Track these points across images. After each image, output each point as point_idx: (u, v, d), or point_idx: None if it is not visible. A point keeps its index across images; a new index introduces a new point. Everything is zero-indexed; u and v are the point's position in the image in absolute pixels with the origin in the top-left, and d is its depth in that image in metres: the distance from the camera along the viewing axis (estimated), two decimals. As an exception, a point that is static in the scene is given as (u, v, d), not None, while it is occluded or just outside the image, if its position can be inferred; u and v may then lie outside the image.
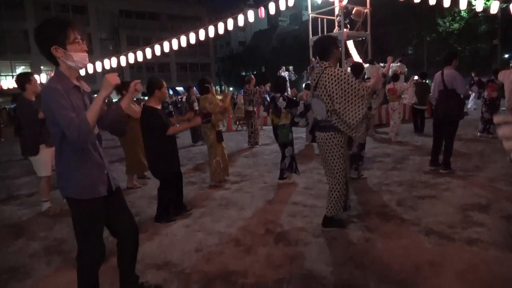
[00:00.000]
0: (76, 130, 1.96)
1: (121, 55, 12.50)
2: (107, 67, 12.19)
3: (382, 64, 13.47)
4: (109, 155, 8.32)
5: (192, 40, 12.43)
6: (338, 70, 3.41)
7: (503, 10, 10.98)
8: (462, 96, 5.53)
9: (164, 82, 4.21)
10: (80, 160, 2.16)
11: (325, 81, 3.41)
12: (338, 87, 3.35)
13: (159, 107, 4.12)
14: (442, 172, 5.58)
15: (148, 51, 12.90)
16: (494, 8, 10.70)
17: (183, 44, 12.48)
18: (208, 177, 6.36)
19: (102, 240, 2.33)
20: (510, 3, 10.83)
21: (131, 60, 12.42)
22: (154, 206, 4.41)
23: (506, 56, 27.66)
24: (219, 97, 5.63)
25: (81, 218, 2.24)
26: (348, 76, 3.37)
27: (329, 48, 3.51)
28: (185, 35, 12.43)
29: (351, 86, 3.34)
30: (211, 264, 3.14)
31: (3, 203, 5.63)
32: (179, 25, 33.41)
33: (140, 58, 12.99)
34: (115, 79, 2.11)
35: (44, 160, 4.67)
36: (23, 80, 4.53)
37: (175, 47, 12.58)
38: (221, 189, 5.52)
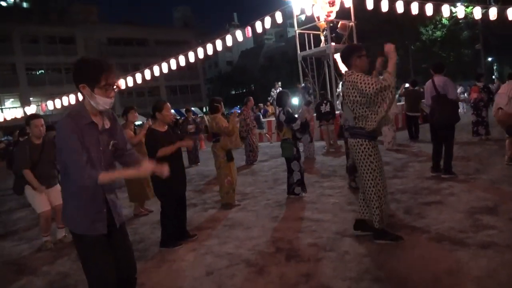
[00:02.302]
0: (80, 176, 2.00)
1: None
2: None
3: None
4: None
5: (182, 63, 12.54)
6: (355, 75, 3.42)
7: (483, 15, 11.26)
8: (455, 100, 5.67)
9: (166, 104, 4.19)
10: (77, 193, 2.12)
11: (347, 88, 3.48)
12: (356, 91, 3.38)
13: (162, 129, 4.09)
14: (444, 177, 5.58)
15: (138, 76, 12.97)
16: (477, 14, 10.99)
17: (173, 67, 12.58)
18: (209, 198, 6.30)
19: (111, 272, 2.20)
20: (489, 9, 11.15)
21: (122, 86, 12.43)
22: (158, 231, 4.31)
23: (489, 59, 28.32)
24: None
25: (83, 252, 2.18)
26: (361, 77, 3.37)
27: (348, 57, 3.56)
28: (174, 58, 12.53)
29: (366, 84, 3.32)
30: (224, 288, 3.05)
31: (1, 239, 5.47)
32: (168, 49, 33.62)
33: (130, 83, 13.03)
34: (152, 168, 2.21)
35: (35, 198, 4.60)
36: (27, 121, 4.70)
37: (164, 70, 12.67)
38: (225, 210, 5.44)
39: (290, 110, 5.61)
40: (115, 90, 2.16)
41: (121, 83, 12.65)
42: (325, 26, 13.50)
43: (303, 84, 14.19)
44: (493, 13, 10.94)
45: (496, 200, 4.35)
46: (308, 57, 15.03)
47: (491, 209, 4.09)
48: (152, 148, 4.04)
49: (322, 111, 10.20)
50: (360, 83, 3.35)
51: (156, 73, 12.78)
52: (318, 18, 13.55)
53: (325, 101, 10.42)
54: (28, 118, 4.74)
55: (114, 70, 2.13)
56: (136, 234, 4.81)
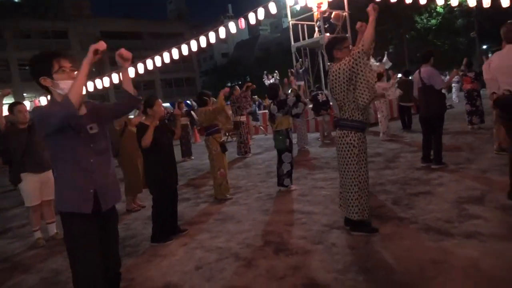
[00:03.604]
0: (59, 112, 2.02)
1: (104, 76, 12.45)
2: (91, 89, 12.11)
3: (375, 63, 13.69)
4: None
5: (176, 56, 12.46)
6: (335, 65, 3.47)
7: (477, 3, 11.22)
8: (442, 90, 5.68)
9: (158, 100, 4.23)
10: (67, 172, 2.20)
11: (332, 80, 3.52)
12: (341, 77, 3.41)
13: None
14: (434, 168, 5.62)
15: (132, 69, 12.88)
16: (472, 2, 10.93)
17: (167, 60, 12.49)
18: (202, 192, 6.33)
19: (96, 263, 2.22)
20: (483, -4, 11.10)
21: (115, 81, 12.36)
22: (150, 227, 4.33)
23: (484, 47, 28.25)
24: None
25: (69, 235, 2.22)
26: (340, 63, 3.41)
27: (331, 50, 3.60)
28: (168, 52, 12.45)
29: (346, 61, 3.37)
30: (213, 282, 3.09)
31: (-6, 237, 5.49)
32: (162, 42, 33.37)
33: (124, 77, 12.91)
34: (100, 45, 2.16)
35: (28, 189, 4.57)
36: (10, 108, 4.62)
37: (158, 64, 12.59)
38: (217, 204, 5.47)
39: (281, 98, 5.62)
40: (75, 73, 2.19)
41: (114, 78, 12.57)
42: (319, 16, 13.45)
43: (302, 68, 14.15)
44: (487, 0, 10.90)
45: (484, 189, 4.39)
46: (302, 48, 14.98)
47: (478, 198, 4.13)
48: (138, 140, 4.11)
49: (320, 100, 10.19)
50: (341, 66, 3.39)
51: (150, 66, 12.71)
52: (312, 8, 13.49)
53: (320, 91, 10.43)
54: (11, 105, 4.66)
55: (67, 54, 2.25)
56: (128, 229, 4.85)
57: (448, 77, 12.17)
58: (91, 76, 12.20)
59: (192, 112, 12.70)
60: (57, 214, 2.30)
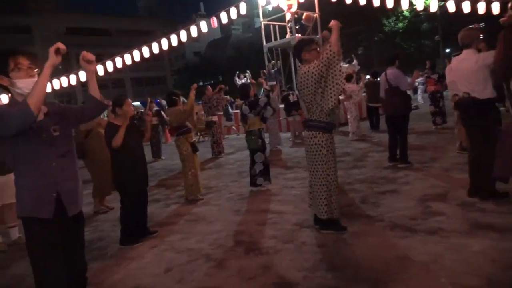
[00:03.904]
0: (18, 116, 1.93)
1: (70, 74, 12.04)
2: (57, 87, 11.68)
3: (345, 65, 14.06)
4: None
5: (146, 54, 12.23)
6: (305, 67, 3.52)
7: (441, 8, 11.69)
8: (407, 91, 5.90)
9: (127, 100, 4.14)
10: (27, 175, 2.12)
11: (300, 82, 3.56)
12: (309, 79, 3.45)
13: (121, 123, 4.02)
14: (400, 167, 5.82)
15: (100, 67, 12.53)
16: (433, 7, 11.36)
17: (137, 58, 12.24)
18: (173, 193, 6.25)
19: (60, 270, 2.15)
20: (447, 1, 11.57)
21: (83, 78, 11.97)
22: (118, 229, 4.24)
23: (448, 50, 29.44)
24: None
25: (31, 242, 2.14)
26: (308, 65, 3.46)
27: (299, 52, 3.66)
28: (138, 50, 12.20)
29: (315, 65, 3.42)
30: (183, 284, 3.06)
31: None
32: (132, 40, 32.62)
33: (91, 75, 12.54)
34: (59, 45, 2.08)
35: None
36: None
37: (128, 62, 12.31)
38: (188, 204, 5.42)
39: (252, 98, 5.65)
40: (35, 71, 2.13)
41: (82, 75, 12.19)
42: (290, 18, 13.59)
43: (275, 68, 14.25)
44: (451, 6, 11.36)
45: (446, 187, 4.58)
46: (274, 48, 15.08)
47: (441, 196, 4.31)
48: (106, 140, 4.05)
49: (291, 101, 10.28)
50: (310, 69, 3.45)
51: (119, 64, 12.41)
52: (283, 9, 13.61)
53: (291, 92, 10.54)
54: None
55: (24, 51, 2.16)
56: (96, 232, 4.72)
57: (422, 79, 12.64)
58: (57, 74, 11.82)
59: (162, 112, 12.52)
60: (19, 218, 2.20)
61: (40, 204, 2.11)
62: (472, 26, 4.10)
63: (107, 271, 3.51)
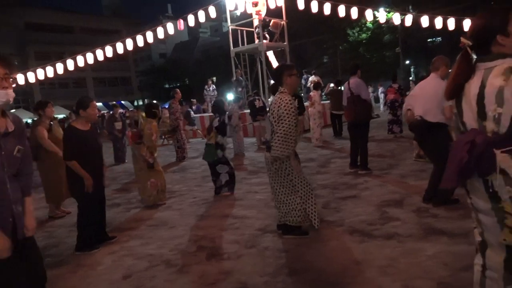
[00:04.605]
0: None
1: (28, 71, 11.49)
2: (13, 84, 11.10)
3: (311, 77, 14.48)
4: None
5: (110, 54, 11.89)
6: (283, 96, 3.53)
7: (401, 21, 12.23)
8: (367, 100, 6.13)
9: (93, 102, 3.94)
10: None
11: (273, 104, 3.58)
12: (277, 111, 3.49)
13: (84, 127, 3.86)
14: (361, 173, 6.00)
15: (60, 66, 12.05)
16: (396, 20, 11.88)
17: (100, 58, 11.87)
18: (134, 197, 6.09)
19: (19, 283, 2.03)
20: (406, 15, 12.12)
21: (41, 77, 11.47)
22: (75, 234, 4.06)
23: (407, 62, 30.85)
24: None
25: None
26: (288, 105, 3.47)
27: (280, 75, 3.67)
28: (101, 49, 11.84)
29: (287, 114, 3.46)
30: (142, 291, 2.99)
31: None
32: (96, 38, 31.64)
33: (50, 74, 12.06)
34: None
35: None
36: None
37: (90, 61, 11.92)
38: (150, 209, 5.30)
39: (226, 121, 5.65)
40: (10, 80, 1.98)
41: (40, 73, 11.66)
42: (258, 23, 13.71)
43: (234, 78, 14.31)
44: (410, 19, 11.92)
45: (403, 193, 4.78)
46: (241, 53, 15.14)
47: (398, 202, 4.48)
48: (70, 148, 3.76)
49: (257, 106, 10.35)
50: (282, 102, 3.48)
51: (81, 63, 11.99)
52: (252, 15, 13.72)
53: (257, 97, 10.61)
54: None
55: (1, 57, 1.97)
56: (51, 237, 4.51)
57: (372, 88, 13.18)
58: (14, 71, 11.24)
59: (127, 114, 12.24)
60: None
61: None
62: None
63: (62, 278, 3.35)
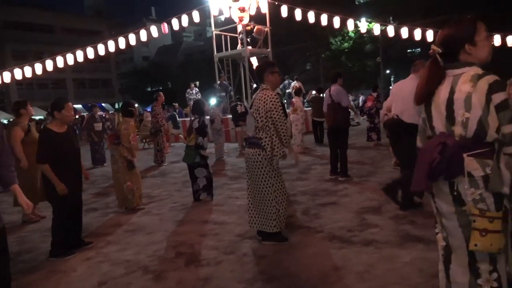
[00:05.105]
0: None
1: (4, 70, 11.17)
2: (-11, 84, 10.77)
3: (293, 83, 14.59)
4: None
5: (91, 55, 11.68)
6: (268, 92, 3.58)
7: (382, 32, 12.52)
8: (348, 108, 6.27)
9: (68, 104, 3.84)
10: None
11: (257, 101, 3.60)
12: (264, 107, 3.52)
13: (60, 129, 3.76)
14: (341, 180, 6.07)
15: (38, 66, 11.76)
16: (376, 30, 12.14)
17: (80, 59, 11.65)
18: (112, 202, 5.97)
19: None
20: (387, 26, 12.40)
21: (18, 77, 11.17)
22: (49, 240, 3.95)
23: (388, 71, 31.47)
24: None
25: None
26: (275, 100, 3.54)
27: (262, 72, 3.71)
28: (82, 50, 11.63)
29: (275, 108, 3.51)
30: (118, 298, 2.92)
31: None
32: (77, 39, 31.05)
33: (28, 74, 11.76)
34: None
35: None
36: None
37: (70, 62, 11.68)
38: (128, 214, 5.21)
39: (206, 122, 5.62)
40: None
41: (17, 73, 11.35)
42: (241, 29, 13.77)
43: (218, 82, 14.28)
44: (391, 30, 12.21)
45: (381, 200, 4.84)
46: (224, 58, 15.16)
47: (376, 209, 4.55)
48: (44, 151, 3.65)
49: (239, 111, 10.36)
50: (267, 98, 3.53)
51: (61, 64, 11.73)
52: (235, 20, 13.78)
53: (239, 103, 10.63)
54: None
55: None
56: (24, 243, 4.37)
57: (353, 96, 13.41)
58: (-11, 70, 10.91)
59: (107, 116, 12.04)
60: None
61: None
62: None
63: (35, 285, 3.25)
